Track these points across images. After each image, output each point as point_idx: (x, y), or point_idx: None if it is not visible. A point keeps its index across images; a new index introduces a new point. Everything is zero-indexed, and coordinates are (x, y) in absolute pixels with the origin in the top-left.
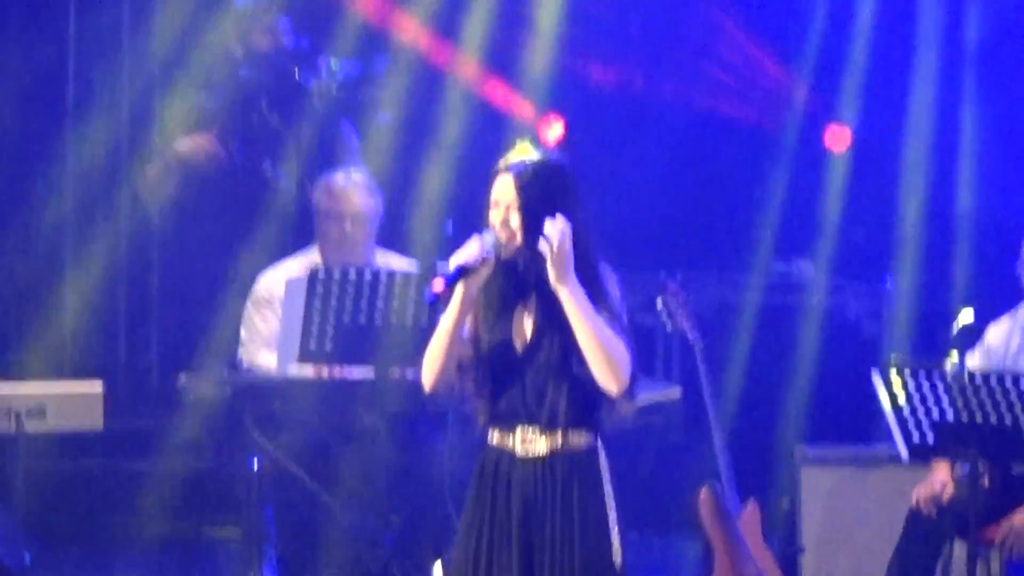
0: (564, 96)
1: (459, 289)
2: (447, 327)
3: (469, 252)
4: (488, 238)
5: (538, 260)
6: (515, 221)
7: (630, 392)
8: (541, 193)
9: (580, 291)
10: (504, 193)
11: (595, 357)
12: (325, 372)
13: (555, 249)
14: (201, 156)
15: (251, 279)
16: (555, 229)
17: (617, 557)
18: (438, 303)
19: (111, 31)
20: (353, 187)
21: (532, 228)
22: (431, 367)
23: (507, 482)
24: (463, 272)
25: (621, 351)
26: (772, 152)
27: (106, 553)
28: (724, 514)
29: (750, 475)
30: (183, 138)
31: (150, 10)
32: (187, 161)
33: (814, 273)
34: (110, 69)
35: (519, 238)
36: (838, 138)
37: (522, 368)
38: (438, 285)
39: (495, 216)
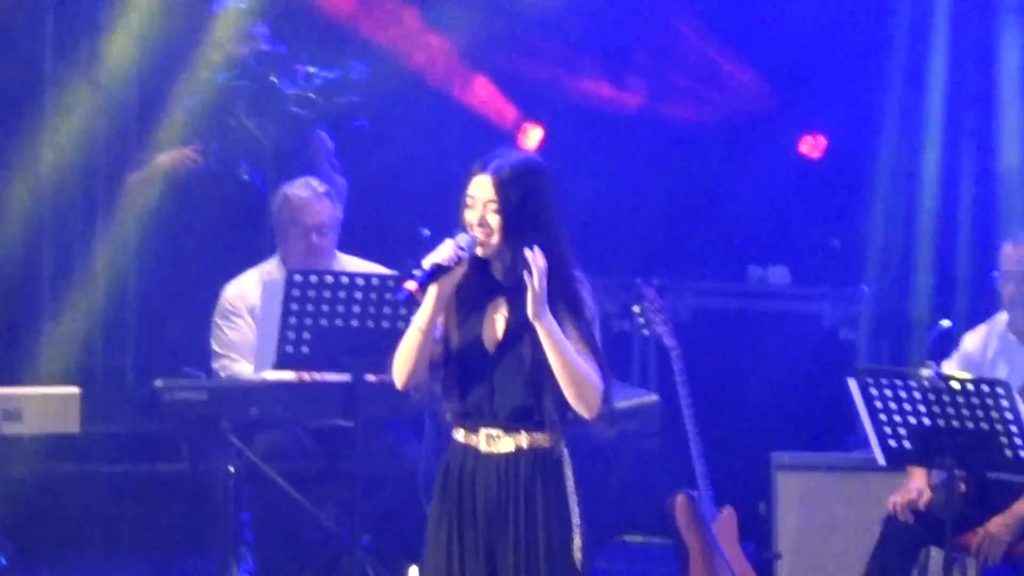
0: (542, 103)
1: (433, 289)
2: (420, 325)
3: (443, 252)
4: (463, 238)
5: (516, 261)
6: (494, 220)
7: (603, 415)
8: (520, 193)
9: (554, 324)
10: (482, 191)
11: (569, 387)
12: (302, 377)
13: (537, 284)
14: (179, 166)
15: (228, 282)
16: (538, 263)
17: (578, 554)
18: (411, 302)
19: (87, 33)
20: (314, 197)
21: (511, 228)
22: (402, 365)
23: (471, 480)
24: (437, 272)
25: (595, 380)
26: (747, 159)
27: (81, 558)
28: (700, 520)
29: (726, 481)
30: (164, 154)
31: (127, 13)
32: (166, 172)
33: (790, 279)
34: (87, 73)
35: (497, 238)
36: (813, 145)
37: (491, 368)
38: (411, 284)
39: (471, 215)
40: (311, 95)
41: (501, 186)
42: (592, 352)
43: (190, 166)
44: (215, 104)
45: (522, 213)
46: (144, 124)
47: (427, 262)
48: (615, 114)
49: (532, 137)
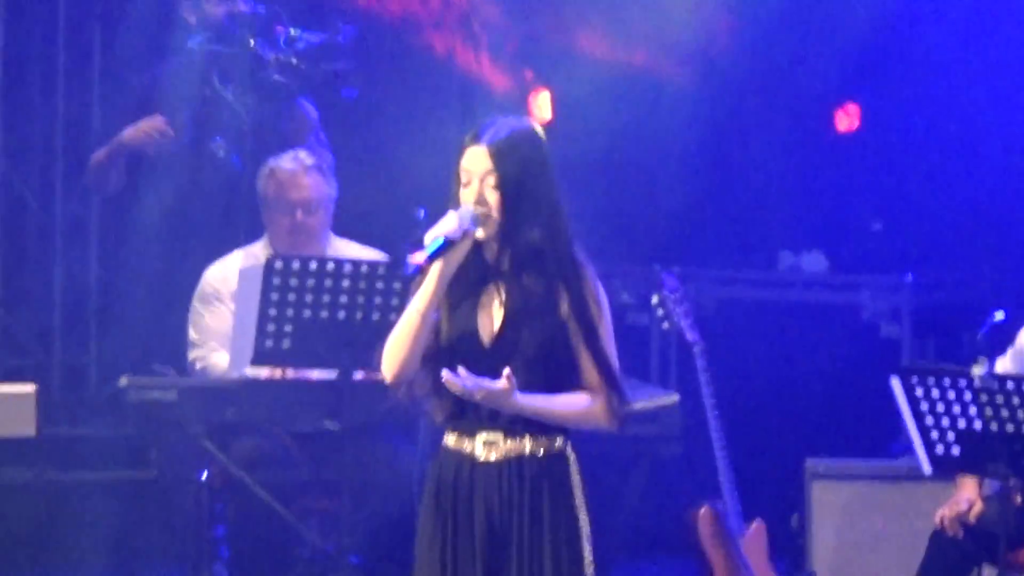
0: (554, 75)
1: (436, 266)
2: (419, 308)
3: (449, 224)
4: (467, 211)
5: (513, 243)
6: (493, 197)
7: (616, 425)
8: (520, 165)
9: (530, 400)
10: (477, 164)
11: (576, 427)
12: (283, 374)
13: (481, 397)
14: (147, 139)
15: (201, 271)
16: (465, 383)
17: (590, 570)
18: (419, 276)
19: None
20: (302, 171)
21: (510, 205)
22: (395, 354)
23: (468, 491)
24: (446, 245)
25: (598, 413)
26: (778, 132)
27: (37, 572)
28: (726, 535)
29: (755, 491)
30: (131, 128)
31: None
32: (132, 146)
33: (826, 267)
34: (44, 37)
35: (495, 214)
36: (848, 116)
37: (487, 363)
38: (419, 256)
39: (468, 194)
40: (293, 60)
41: (499, 158)
42: (600, 364)
43: (160, 141)
44: (187, 72)
45: (522, 188)
46: (106, 96)
47: (431, 235)
48: (635, 86)
49: (544, 105)
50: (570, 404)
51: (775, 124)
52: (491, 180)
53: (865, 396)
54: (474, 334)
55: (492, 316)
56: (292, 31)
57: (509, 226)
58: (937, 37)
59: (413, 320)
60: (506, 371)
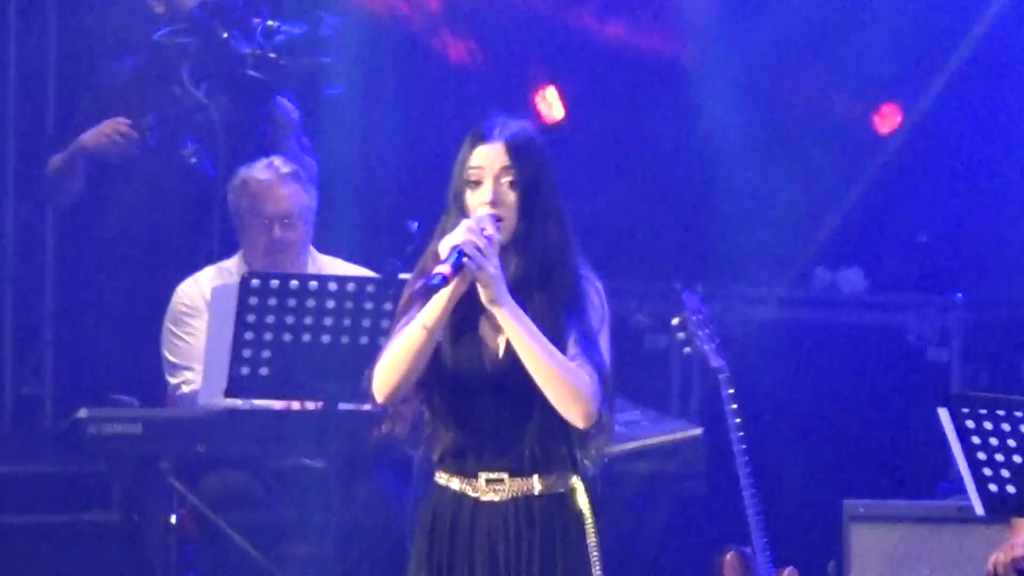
0: (567, 69)
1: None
2: (426, 322)
3: (467, 233)
4: (485, 218)
5: (527, 247)
6: (510, 198)
7: (600, 425)
8: (537, 163)
9: (519, 312)
10: (492, 161)
11: (549, 389)
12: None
13: (490, 263)
14: (109, 144)
15: (169, 290)
16: (486, 230)
17: None
18: (441, 287)
19: None
20: (278, 180)
21: (528, 206)
22: (391, 373)
23: (468, 532)
24: (472, 256)
25: (581, 379)
26: (812, 138)
27: None
28: None
29: (787, 535)
30: (91, 131)
31: None
32: (92, 152)
33: (866, 285)
34: None
35: (512, 218)
36: (886, 118)
37: (491, 393)
38: (444, 268)
39: (481, 194)
40: (271, 55)
41: (517, 155)
42: (588, 350)
43: (123, 145)
44: (154, 68)
45: (539, 188)
46: (63, 93)
47: (447, 245)
48: (648, 80)
49: (553, 103)
50: (560, 354)
51: (808, 127)
52: (508, 177)
53: (910, 429)
54: (478, 360)
55: (496, 339)
56: (270, 23)
57: (525, 230)
58: (990, 30)
59: (418, 336)
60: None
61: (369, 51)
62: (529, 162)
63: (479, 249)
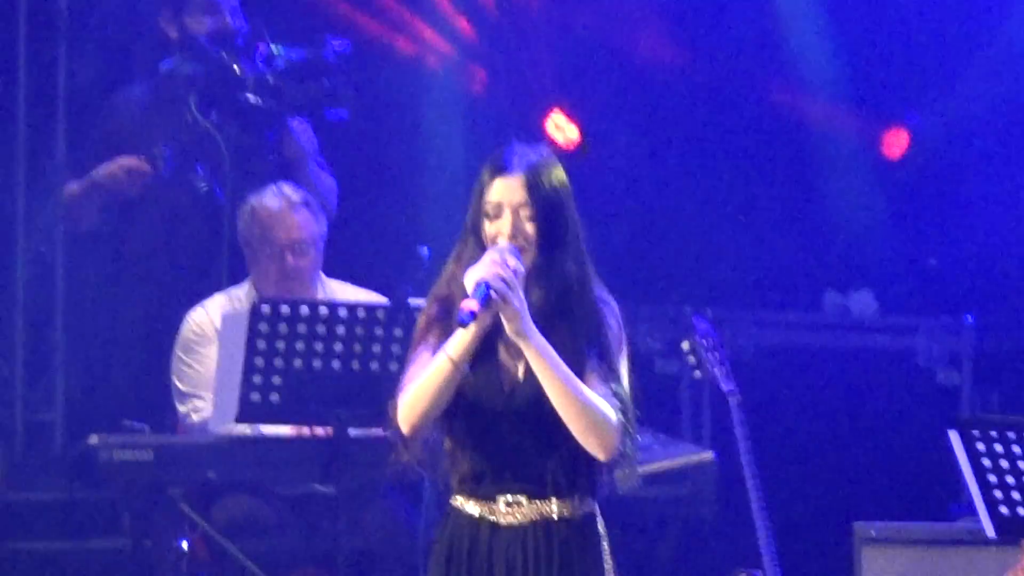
0: (579, 94)
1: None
2: (452, 355)
3: (492, 266)
4: (507, 249)
5: (548, 277)
6: (530, 230)
7: (623, 456)
8: (554, 195)
9: (545, 344)
10: (511, 195)
11: (573, 421)
12: (272, 432)
13: (514, 296)
14: (124, 180)
15: (180, 316)
16: (509, 262)
17: None
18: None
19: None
20: (288, 208)
21: (547, 238)
22: (418, 405)
23: (487, 556)
24: (500, 290)
25: (605, 411)
26: (821, 161)
27: None
28: None
29: (798, 558)
30: (105, 167)
31: None
32: (106, 187)
33: (876, 308)
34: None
35: (532, 250)
36: (894, 142)
37: (510, 418)
38: (472, 303)
39: (500, 225)
40: (271, 80)
41: (536, 188)
42: (610, 382)
43: (135, 181)
44: (163, 96)
45: (557, 219)
46: (73, 121)
47: (472, 279)
48: (665, 107)
49: (567, 133)
50: (584, 386)
51: (817, 150)
52: (526, 212)
53: (921, 452)
54: (498, 386)
55: (516, 366)
56: (274, 48)
57: (543, 261)
58: (998, 48)
59: (444, 368)
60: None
61: (376, 75)
62: (548, 194)
63: (505, 282)
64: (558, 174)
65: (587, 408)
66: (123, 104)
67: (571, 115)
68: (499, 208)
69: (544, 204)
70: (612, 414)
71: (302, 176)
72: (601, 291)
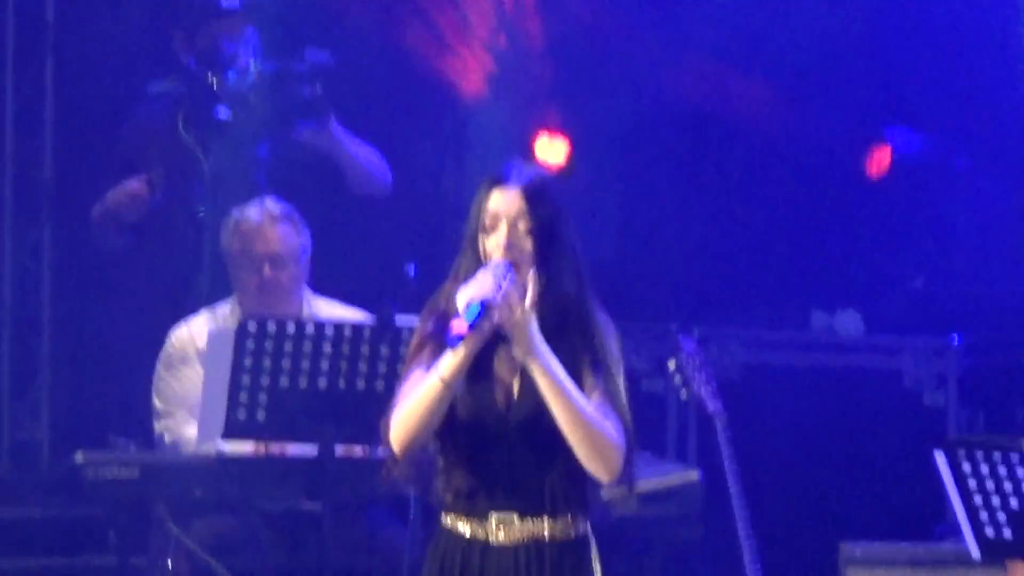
0: (565, 113)
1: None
2: (443, 375)
3: (484, 285)
4: (500, 267)
5: (546, 293)
6: (527, 244)
7: (624, 478)
8: (552, 209)
9: (554, 362)
10: (509, 207)
11: (580, 443)
12: (257, 449)
13: (522, 314)
14: (126, 205)
15: (165, 332)
16: (526, 283)
17: None
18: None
19: None
20: (269, 222)
21: (545, 253)
22: (409, 425)
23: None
24: (484, 310)
25: (611, 433)
26: (806, 180)
27: None
28: None
29: None
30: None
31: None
32: (112, 212)
33: (863, 328)
34: None
35: (528, 264)
36: (877, 159)
37: (505, 436)
38: (461, 325)
39: (496, 238)
40: (243, 93)
41: (533, 201)
42: (612, 403)
43: (135, 204)
44: (158, 118)
45: (555, 234)
46: (61, 137)
47: (464, 297)
48: (646, 126)
49: (556, 151)
50: (592, 407)
51: (803, 169)
52: (523, 224)
53: (906, 472)
54: (492, 403)
55: (511, 383)
56: (252, 63)
57: (541, 277)
58: (984, 64)
59: (434, 389)
60: (532, 286)
61: (362, 86)
62: (545, 209)
63: (506, 299)
64: (558, 193)
65: (594, 430)
66: (130, 127)
67: (561, 131)
68: (496, 220)
69: (542, 217)
70: (616, 436)
71: (344, 160)
72: (599, 311)
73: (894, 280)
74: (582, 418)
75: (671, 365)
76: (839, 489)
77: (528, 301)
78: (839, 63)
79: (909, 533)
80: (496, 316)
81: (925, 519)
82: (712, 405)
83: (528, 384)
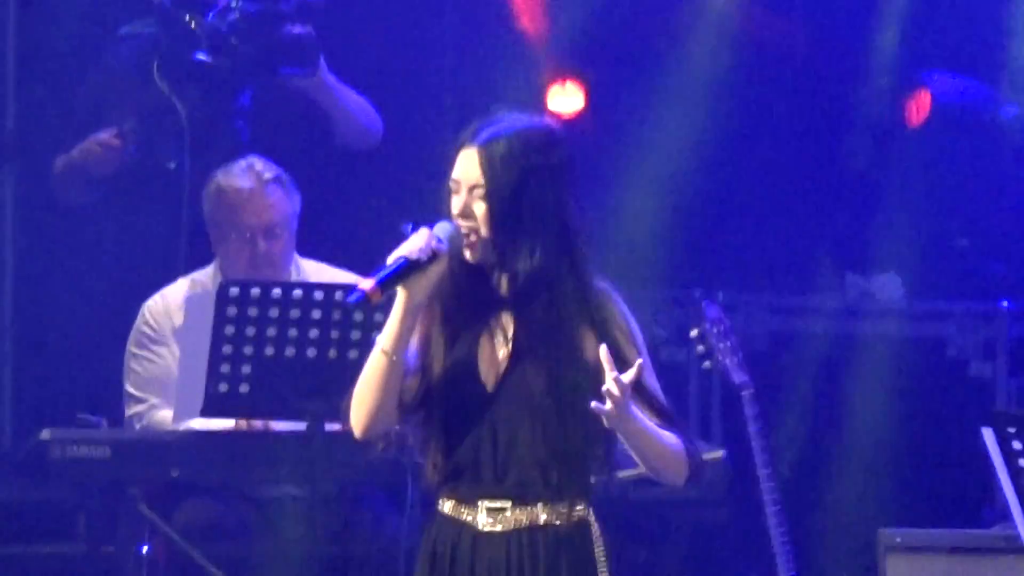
0: (584, 61)
1: (400, 293)
2: (384, 346)
3: (415, 242)
4: (444, 227)
5: (510, 266)
6: (480, 209)
7: (694, 477)
8: (515, 173)
9: (639, 417)
10: (466, 172)
11: (657, 471)
12: (240, 425)
13: (618, 400)
14: (95, 157)
15: (139, 301)
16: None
17: None
18: (363, 304)
19: None
20: (260, 188)
21: (501, 221)
22: (361, 404)
23: (468, 565)
24: (405, 268)
25: (679, 448)
26: (841, 132)
27: None
28: None
29: (817, 566)
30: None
31: None
32: (80, 165)
33: (903, 292)
34: None
35: (484, 231)
36: (915, 106)
37: (491, 412)
38: (366, 283)
39: (455, 202)
40: (223, 34)
41: (490, 164)
42: (648, 398)
43: (106, 157)
44: (130, 64)
45: (517, 201)
46: (24, 87)
47: (393, 255)
48: (674, 77)
49: (568, 101)
50: (669, 439)
51: (836, 119)
52: (479, 190)
53: (951, 451)
54: (474, 376)
55: (496, 354)
56: (232, 3)
57: (502, 247)
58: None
59: (378, 362)
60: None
61: (357, 29)
62: (504, 173)
63: (433, 252)
64: (536, 154)
65: (670, 455)
66: (99, 72)
67: (578, 79)
68: (457, 184)
69: (498, 184)
70: (680, 445)
71: (334, 109)
72: (598, 281)
73: (937, 240)
74: (664, 455)
75: (693, 334)
76: (877, 469)
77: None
78: (874, 5)
79: (954, 517)
80: (425, 272)
81: (972, 502)
82: (738, 377)
83: (516, 358)
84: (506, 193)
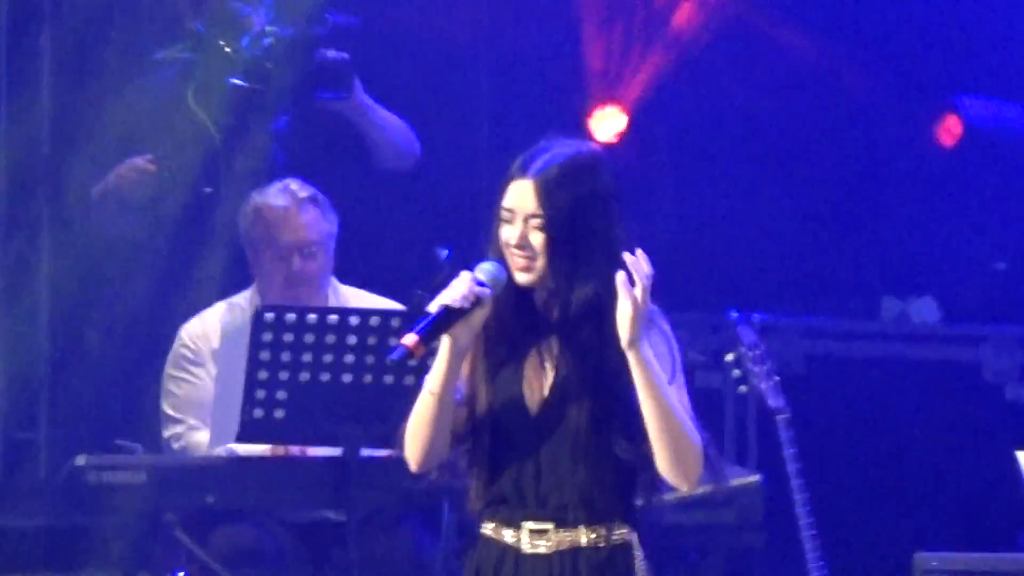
0: (624, 89)
1: (445, 341)
2: (432, 389)
3: (457, 289)
4: (486, 268)
5: (564, 293)
6: (537, 240)
7: (711, 476)
8: (573, 203)
9: (652, 356)
10: (522, 202)
11: (665, 445)
12: (276, 451)
13: (641, 299)
14: (129, 183)
15: (175, 327)
16: (642, 268)
17: None
18: (407, 359)
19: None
20: (296, 207)
21: (560, 250)
22: (415, 441)
23: None
24: (447, 317)
25: (695, 436)
26: (877, 153)
27: None
28: None
29: None
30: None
31: None
32: (114, 192)
33: (939, 316)
34: None
35: (542, 262)
36: (950, 129)
37: (535, 436)
38: (410, 338)
39: (509, 233)
40: (259, 60)
41: (547, 195)
42: (687, 394)
43: (140, 184)
44: (166, 90)
45: (575, 231)
46: (58, 112)
47: (435, 304)
48: (710, 99)
49: (608, 127)
50: (687, 420)
51: (871, 143)
52: (536, 221)
53: (987, 475)
54: (518, 402)
55: (541, 381)
56: (267, 28)
57: (558, 276)
58: None
59: (427, 403)
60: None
61: (390, 54)
62: (562, 204)
63: (476, 298)
64: (589, 182)
65: (683, 431)
66: (134, 98)
67: (620, 104)
68: (511, 214)
69: (556, 215)
70: (698, 439)
71: (370, 130)
72: (655, 308)
73: (973, 263)
74: (673, 416)
75: (729, 357)
76: (913, 493)
77: (643, 293)
78: (905, 28)
79: (989, 542)
80: (469, 319)
81: (1007, 527)
82: (774, 401)
83: (561, 383)
84: (563, 222)
